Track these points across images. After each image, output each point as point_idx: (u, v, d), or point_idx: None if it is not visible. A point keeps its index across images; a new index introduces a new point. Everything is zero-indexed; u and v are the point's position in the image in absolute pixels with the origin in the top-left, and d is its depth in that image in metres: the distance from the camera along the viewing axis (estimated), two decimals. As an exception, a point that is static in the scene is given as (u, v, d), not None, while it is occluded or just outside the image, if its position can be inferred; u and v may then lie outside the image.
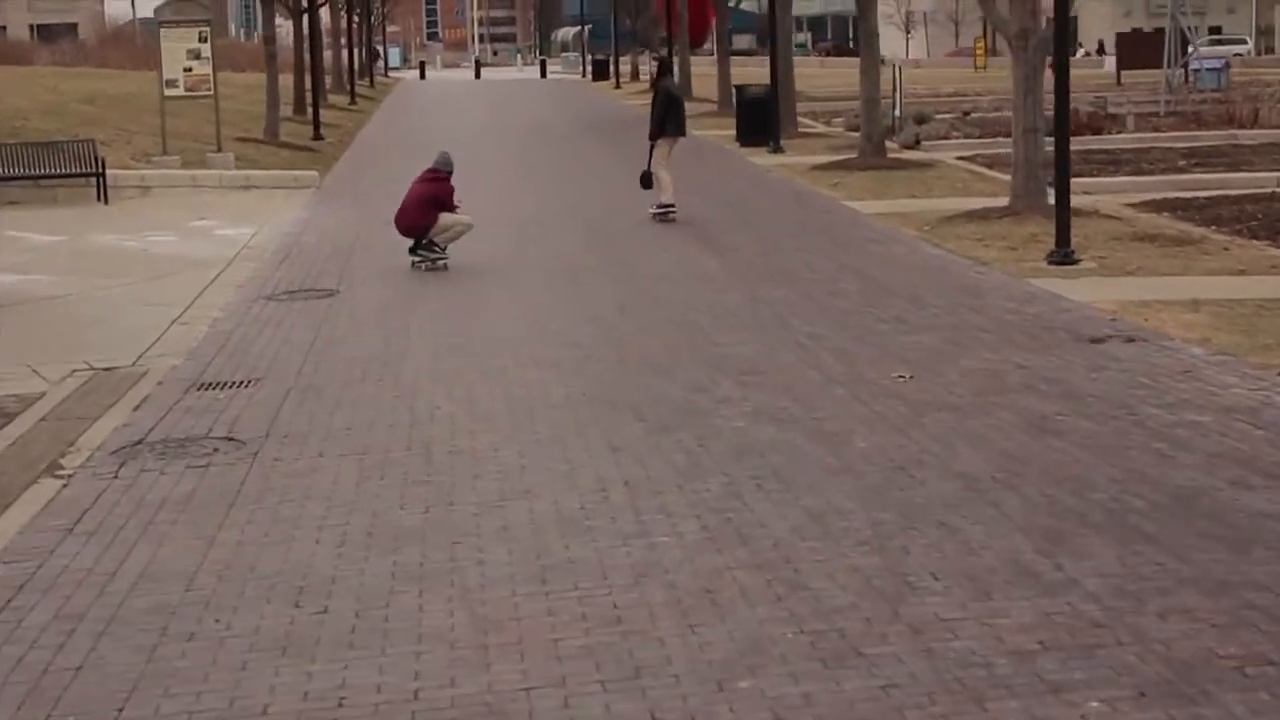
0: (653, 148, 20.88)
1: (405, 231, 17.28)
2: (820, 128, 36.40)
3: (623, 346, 12.33)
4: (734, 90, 32.68)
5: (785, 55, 30.80)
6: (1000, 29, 20.80)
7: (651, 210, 20.57)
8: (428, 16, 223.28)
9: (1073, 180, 21.59)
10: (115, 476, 9.04)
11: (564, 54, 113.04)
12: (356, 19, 68.20)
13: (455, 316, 14.09)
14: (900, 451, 8.80)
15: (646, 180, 20.65)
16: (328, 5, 58.55)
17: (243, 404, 10.90)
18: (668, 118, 20.84)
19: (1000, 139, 30.53)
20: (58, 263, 18.58)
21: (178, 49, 26.77)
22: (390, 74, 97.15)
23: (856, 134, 33.04)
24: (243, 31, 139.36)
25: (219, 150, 27.28)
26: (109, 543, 7.78)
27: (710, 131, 36.46)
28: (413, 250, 17.17)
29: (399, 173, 22.92)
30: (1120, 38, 57.57)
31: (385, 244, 19.10)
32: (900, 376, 10.79)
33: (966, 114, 36.25)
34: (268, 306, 15.15)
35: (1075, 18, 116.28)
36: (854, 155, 27.44)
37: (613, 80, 68.26)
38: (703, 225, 19.95)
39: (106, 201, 24.32)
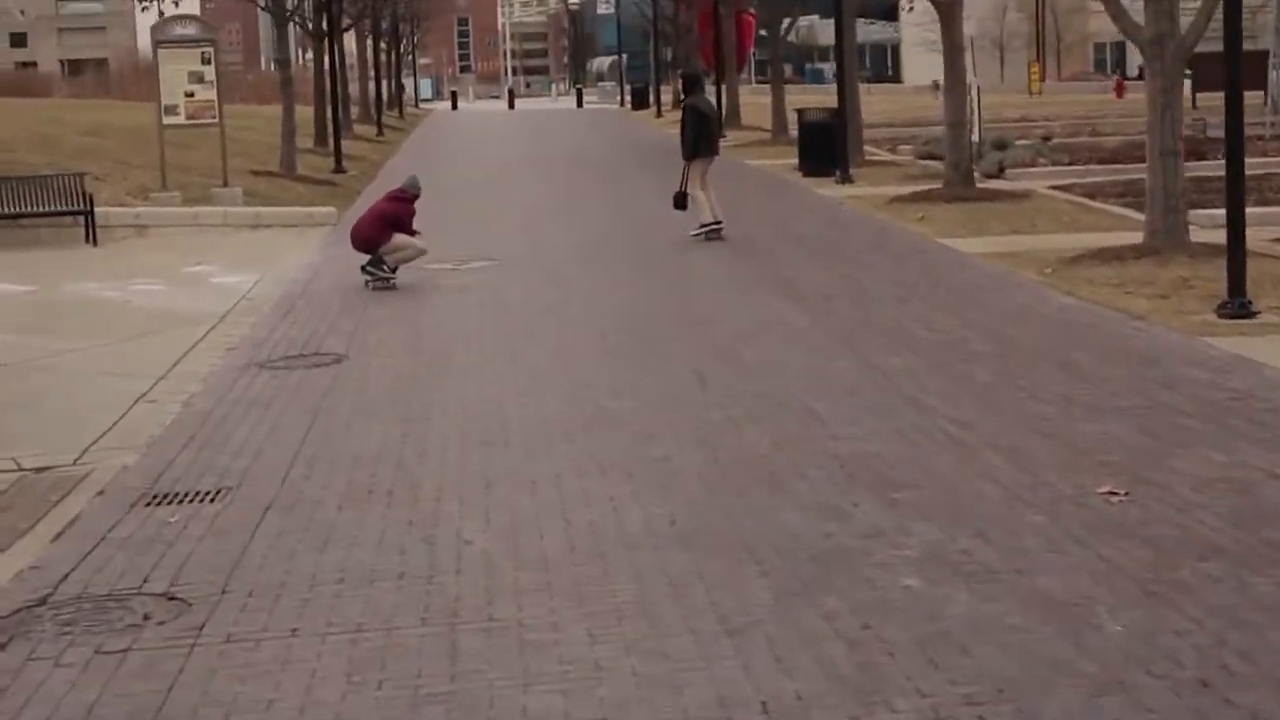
0: (686, 168, 19.94)
1: (357, 245, 17.21)
2: (886, 156, 33.38)
3: (714, 442, 9.32)
4: (796, 116, 29.65)
5: (852, 78, 27.78)
6: (1131, 36, 17.74)
7: (693, 233, 19.46)
8: (460, 49, 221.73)
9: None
10: (-12, 670, 6.08)
11: (600, 83, 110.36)
12: (385, 47, 65.57)
13: (490, 392, 11.11)
14: (1181, 644, 5.74)
15: (681, 201, 19.85)
16: (354, 33, 55.93)
17: (201, 531, 7.93)
18: (701, 135, 19.90)
19: (1094, 166, 27.57)
20: (18, 319, 15.69)
21: (178, 73, 23.91)
22: (421, 105, 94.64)
23: (929, 162, 30.15)
24: (274, 64, 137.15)
25: (225, 185, 24.40)
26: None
27: (767, 161, 33.47)
28: (364, 267, 16.95)
29: (426, 210, 20.02)
30: (1197, 59, 54.20)
31: (406, 292, 16.18)
32: (1112, 493, 7.75)
33: (1047, 139, 33.18)
34: (259, 378, 12.20)
35: (1123, 43, 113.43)
36: (937, 185, 24.42)
37: (653, 109, 65.34)
38: (778, 268, 16.95)
39: (95, 243, 21.48)
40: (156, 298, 17.05)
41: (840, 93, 27.32)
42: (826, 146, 28.19)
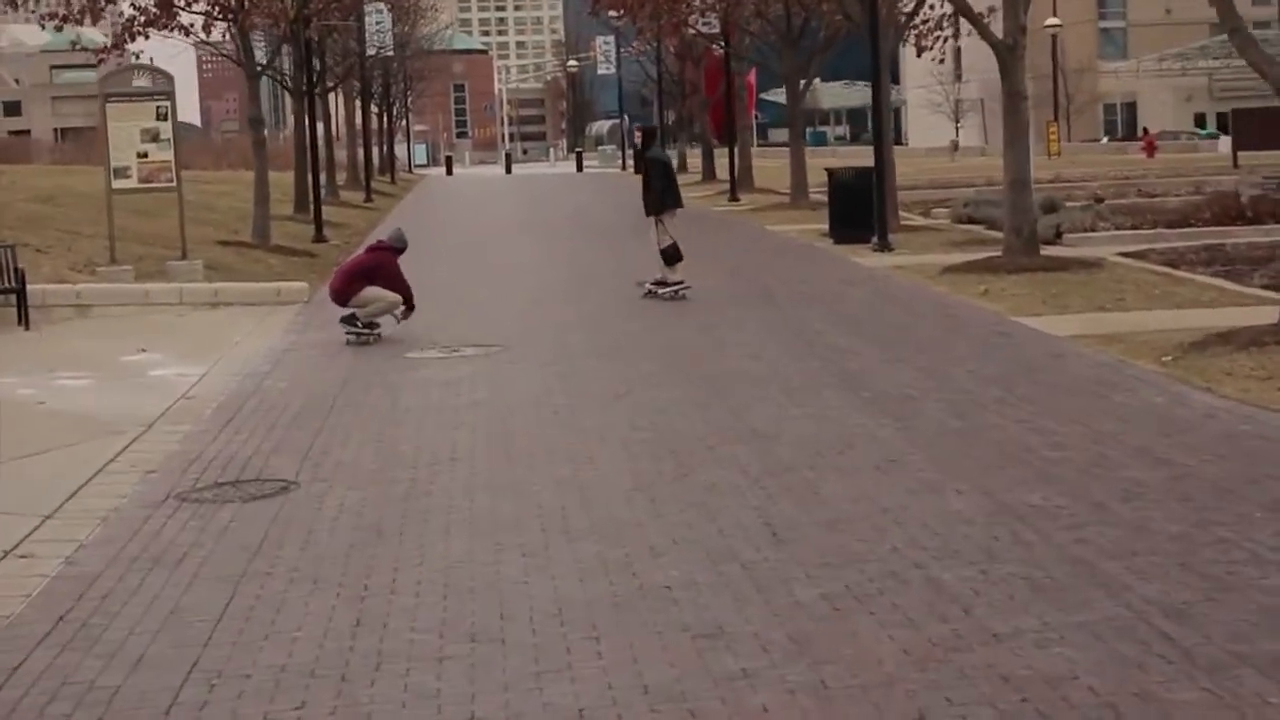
0: (657, 222, 19.09)
1: (333, 298, 16.81)
2: (921, 220, 30.43)
3: (811, 645, 6.25)
4: (826, 177, 26.72)
5: (887, 137, 24.84)
6: (1265, 73, 14.71)
7: (646, 285, 19.02)
8: (457, 115, 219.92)
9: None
10: None
11: (600, 148, 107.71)
12: (376, 109, 62.82)
13: (481, 550, 8.06)
14: None
15: (675, 254, 18.98)
16: (341, 94, 53.18)
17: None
18: (669, 188, 19.29)
19: (1163, 230, 24.63)
20: (-103, 429, 12.65)
21: (129, 130, 20.95)
22: (415, 170, 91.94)
23: (971, 227, 27.24)
24: (248, 123, 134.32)
25: (184, 258, 21.41)
26: None
27: (790, 226, 30.52)
28: (341, 321, 16.51)
29: (413, 284, 17.08)
30: (1237, 115, 51.62)
31: (382, 391, 13.15)
32: None
33: (1099, 200, 30.25)
34: (176, 517, 9.15)
35: (1134, 103, 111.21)
36: (992, 253, 21.46)
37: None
38: (836, 357, 13.94)
39: (27, 326, 18.47)
40: (79, 396, 14.02)
41: (877, 152, 24.39)
42: (860, 211, 25.28)
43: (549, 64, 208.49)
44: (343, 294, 16.61)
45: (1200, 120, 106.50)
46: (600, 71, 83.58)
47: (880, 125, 24.46)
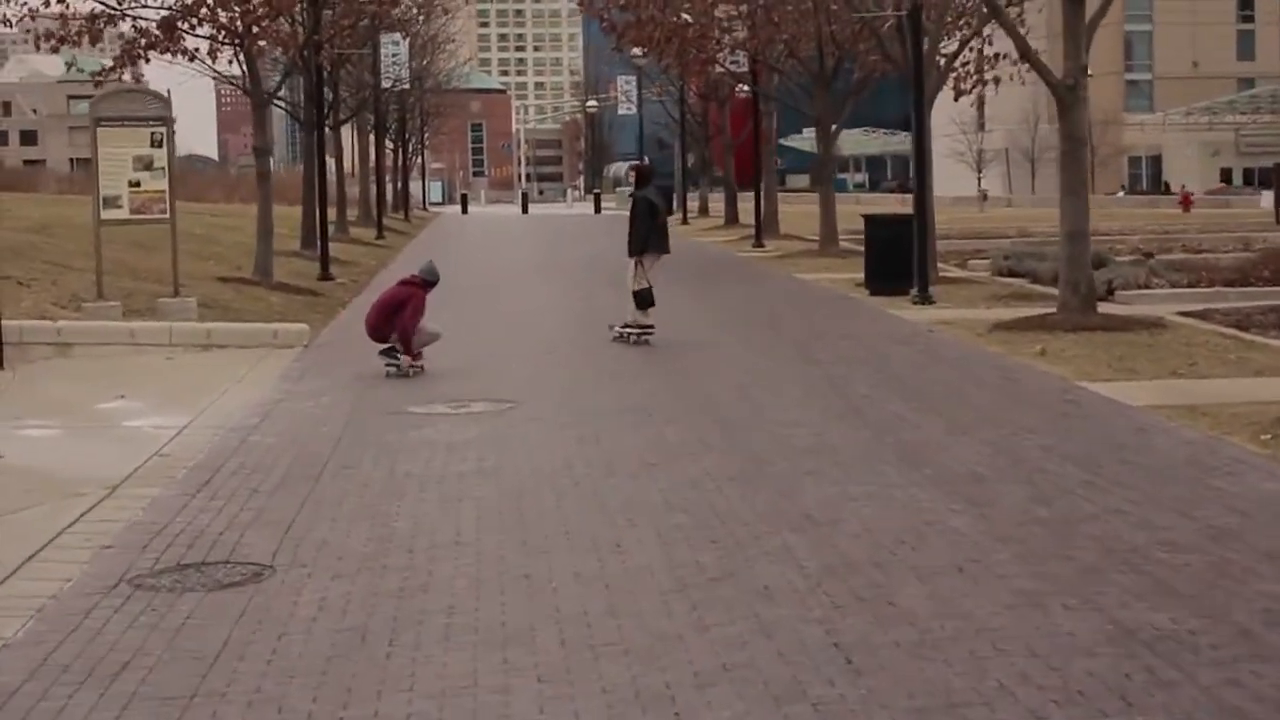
0: (636, 264, 18.50)
1: (370, 335, 16.58)
2: (957, 271, 28.94)
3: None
4: (864, 224, 25.25)
5: (928, 184, 23.36)
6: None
7: (617, 329, 18.56)
8: (474, 154, 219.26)
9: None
10: None
11: (618, 189, 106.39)
12: (391, 145, 61.55)
13: (484, 673, 6.56)
14: None
15: (647, 298, 18.34)
16: (355, 128, 51.88)
17: None
18: (653, 231, 18.52)
19: (1222, 289, 23.13)
20: None
21: (120, 157, 19.52)
22: (430, 208, 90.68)
23: (1012, 280, 25.78)
24: (283, 163, 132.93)
25: (176, 295, 19.97)
26: None
27: (821, 275, 29.06)
28: (380, 353, 16.27)
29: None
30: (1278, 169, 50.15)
31: (379, 453, 11.66)
32: None
33: (1148, 255, 28.75)
34: (124, 610, 7.67)
35: (1159, 156, 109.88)
36: (1043, 309, 19.99)
37: (679, 214, 61.11)
38: (891, 427, 12.43)
39: (0, 365, 17.01)
40: (43, 450, 12.55)
41: (919, 200, 22.91)
42: (898, 260, 23.83)
43: (567, 105, 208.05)
44: (378, 329, 16.39)
45: (1226, 175, 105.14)
46: (621, 112, 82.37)
47: (922, 171, 22.99)
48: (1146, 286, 23.22)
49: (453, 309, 21.57)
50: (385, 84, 44.25)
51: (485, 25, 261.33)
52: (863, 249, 35.45)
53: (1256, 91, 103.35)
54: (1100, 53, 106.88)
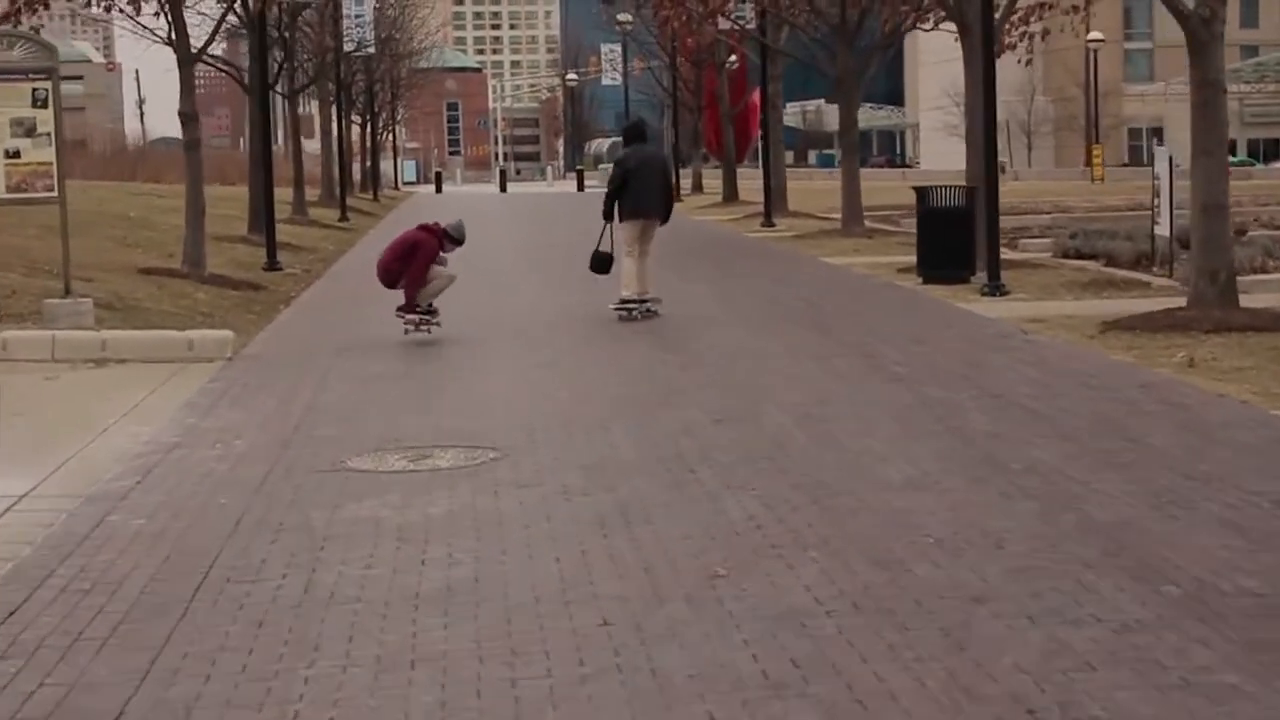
0: (606, 228, 17.44)
1: (381, 279, 15.78)
2: (1013, 253, 24.85)
3: None
4: (916, 198, 21.14)
5: (993, 152, 19.21)
6: None
7: (612, 307, 17.21)
8: (450, 134, 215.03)
9: None
10: None
11: (600, 166, 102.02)
12: (359, 119, 57.19)
13: None
14: None
15: (601, 263, 17.55)
16: (317, 102, 47.56)
17: None
18: (624, 194, 17.15)
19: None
20: None
21: (-4, 120, 15.37)
22: (404, 187, 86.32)
23: (1082, 263, 21.78)
24: (180, 119, 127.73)
25: (67, 294, 15.81)
26: None
27: (851, 259, 25.00)
28: (398, 310, 15.53)
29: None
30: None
31: (294, 548, 7.51)
32: None
33: (1240, 233, 24.72)
34: None
35: (1161, 128, 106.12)
36: (1175, 304, 15.90)
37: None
38: (1065, 495, 8.36)
39: None
40: None
41: (990, 162, 18.76)
42: (954, 242, 19.82)
43: (545, 80, 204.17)
44: (389, 271, 15.55)
45: (1231, 147, 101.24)
46: (605, 82, 78.10)
47: (992, 132, 18.85)
48: (1263, 271, 19.20)
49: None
50: (347, 48, 40.13)
51: (460, 2, 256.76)
52: (888, 229, 31.61)
53: (1262, 60, 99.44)
54: (1098, 22, 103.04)
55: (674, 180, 18.93)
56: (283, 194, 40.27)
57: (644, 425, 10.77)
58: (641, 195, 17.13)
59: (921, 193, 20.92)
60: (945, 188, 21.00)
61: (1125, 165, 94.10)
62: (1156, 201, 20.74)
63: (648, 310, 17.07)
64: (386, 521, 8.21)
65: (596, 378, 13.24)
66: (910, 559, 7.11)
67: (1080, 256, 23.13)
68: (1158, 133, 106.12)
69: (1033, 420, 10.57)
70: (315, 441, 10.54)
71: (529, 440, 10.36)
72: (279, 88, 35.59)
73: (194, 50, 21.52)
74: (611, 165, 18.38)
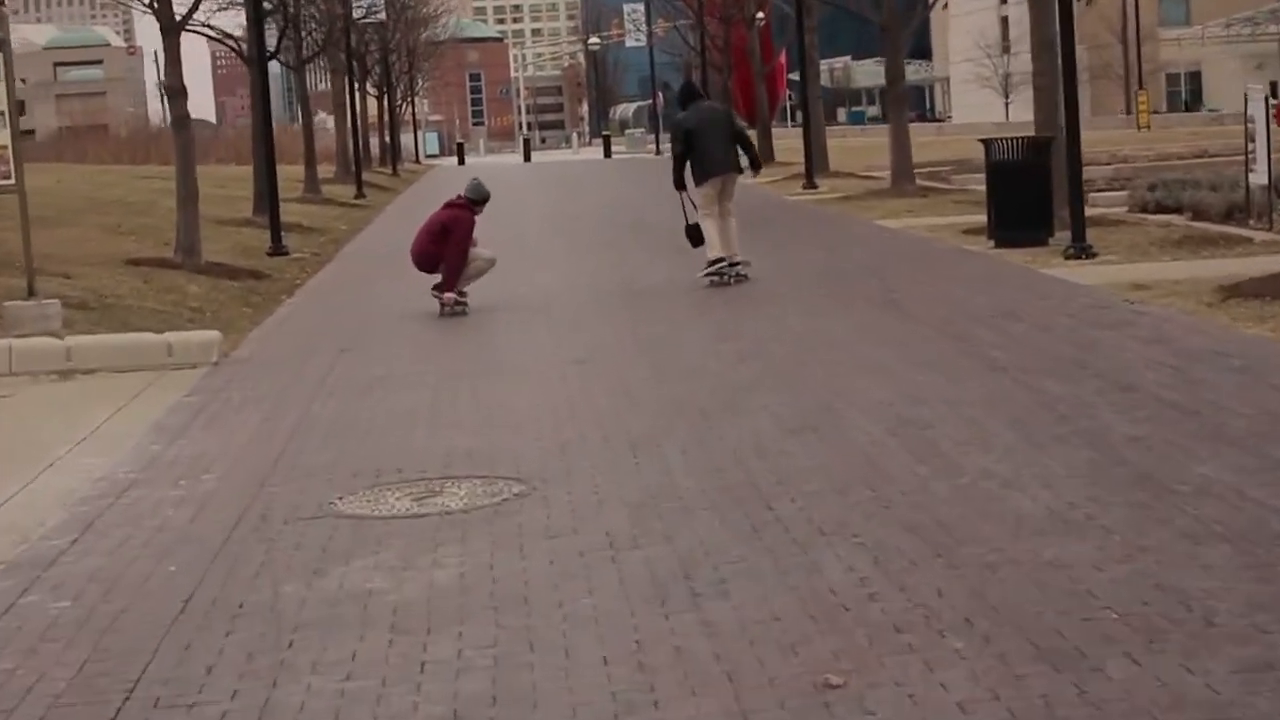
0: (684, 197, 16.33)
1: (417, 264, 15.11)
2: (1091, 209, 22.73)
3: None
4: (984, 151, 19.02)
5: (1075, 101, 17.09)
6: None
7: (701, 274, 16.05)
8: (474, 105, 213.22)
9: None
10: None
11: (626, 132, 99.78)
12: (375, 91, 55.16)
13: None
14: None
15: (694, 234, 16.34)
16: (329, 73, 45.53)
17: None
18: (692, 157, 16.06)
19: None
20: None
21: (-66, 97, 13.42)
22: (426, 160, 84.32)
23: (1168, 218, 19.74)
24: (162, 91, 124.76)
25: (31, 296, 13.86)
26: None
27: (907, 221, 22.98)
28: (434, 290, 14.82)
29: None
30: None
31: (264, 634, 5.45)
32: None
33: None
34: None
35: (1199, 73, 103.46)
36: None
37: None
38: (1238, 504, 6.37)
39: None
40: None
41: (1070, 112, 16.66)
42: (1030, 200, 17.77)
43: (567, 46, 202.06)
44: (425, 255, 14.93)
45: (1272, 89, 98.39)
46: (629, 44, 75.93)
47: (1071, 75, 16.74)
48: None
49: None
50: (356, 13, 38.12)
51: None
52: (941, 186, 29.60)
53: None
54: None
55: (743, 128, 17.15)
56: (296, 171, 38.42)
57: (702, 440, 8.78)
58: (708, 154, 16.10)
59: (990, 144, 18.80)
60: (1014, 140, 18.89)
61: (1160, 112, 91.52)
62: (1251, 146, 18.64)
63: (738, 274, 16.09)
64: (378, 598, 6.25)
65: (639, 375, 11.25)
66: (1093, 649, 5.13)
67: (1162, 210, 21.04)
68: (1196, 77, 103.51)
69: (1180, 419, 8.55)
70: (299, 475, 8.59)
71: (561, 464, 8.40)
72: (283, 58, 33.53)
73: (178, 18, 19.49)
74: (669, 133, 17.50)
